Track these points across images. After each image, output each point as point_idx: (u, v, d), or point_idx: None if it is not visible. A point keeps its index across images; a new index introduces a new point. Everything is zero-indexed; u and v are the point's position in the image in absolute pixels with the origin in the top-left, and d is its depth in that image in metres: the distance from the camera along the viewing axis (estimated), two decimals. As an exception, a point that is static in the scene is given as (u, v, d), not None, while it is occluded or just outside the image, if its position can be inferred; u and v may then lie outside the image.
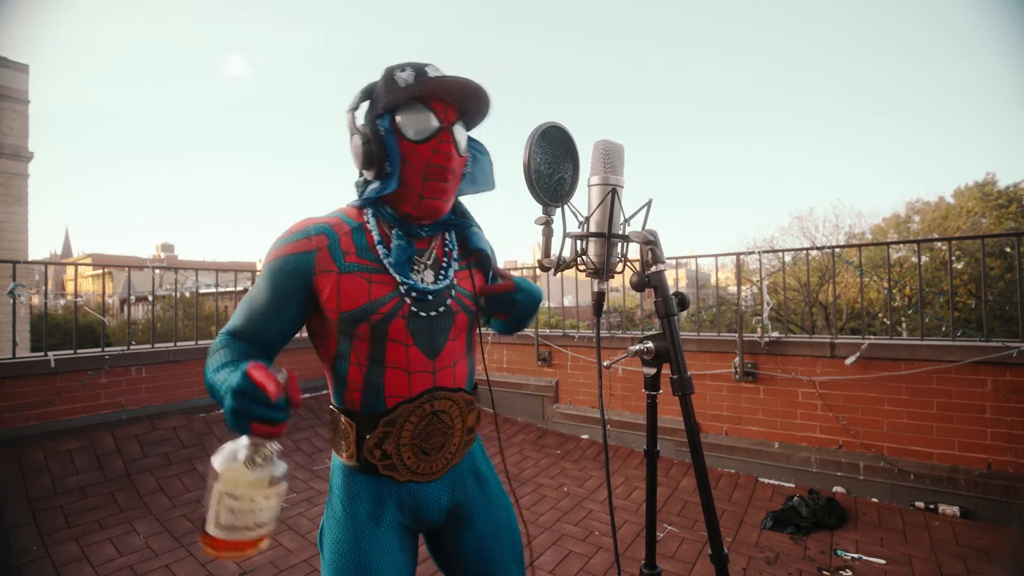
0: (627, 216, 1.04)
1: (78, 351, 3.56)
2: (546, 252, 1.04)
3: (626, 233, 1.03)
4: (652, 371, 1.03)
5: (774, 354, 3.46)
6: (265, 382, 0.63)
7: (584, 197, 1.05)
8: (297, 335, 0.91)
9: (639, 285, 0.97)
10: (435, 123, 0.86)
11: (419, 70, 0.87)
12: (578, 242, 1.05)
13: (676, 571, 2.30)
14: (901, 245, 15.25)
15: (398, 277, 0.87)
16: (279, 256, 0.86)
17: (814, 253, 9.94)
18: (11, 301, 3.24)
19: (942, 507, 2.81)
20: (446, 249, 0.97)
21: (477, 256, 1.01)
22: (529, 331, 4.81)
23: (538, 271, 5.40)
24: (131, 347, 3.80)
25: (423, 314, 0.88)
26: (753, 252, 4.18)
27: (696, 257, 4.33)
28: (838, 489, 3.12)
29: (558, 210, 1.03)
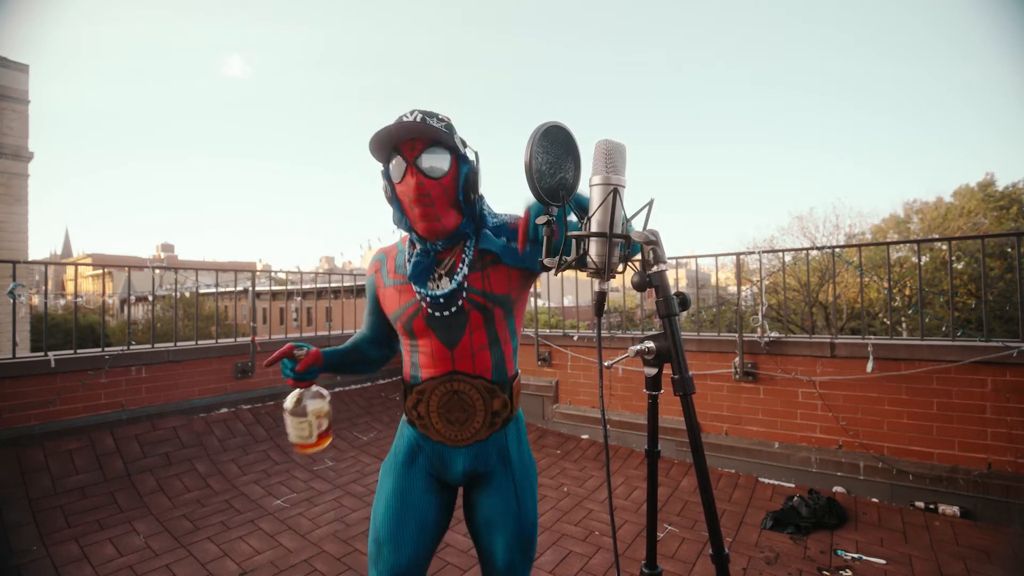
0: (628, 216, 1.04)
1: (78, 351, 3.55)
2: (547, 252, 1.04)
3: (627, 233, 1.03)
4: (653, 371, 1.03)
5: (774, 354, 3.46)
6: (278, 355, 1.10)
7: (585, 197, 1.05)
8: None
9: (640, 285, 0.97)
10: (403, 163, 1.05)
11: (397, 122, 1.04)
12: (579, 242, 1.05)
13: (676, 571, 2.30)
14: (901, 245, 15.26)
15: (414, 286, 1.12)
16: (366, 279, 1.26)
17: (814, 253, 9.95)
18: (11, 301, 3.24)
19: (942, 507, 2.81)
20: (463, 257, 1.12)
21: (490, 257, 1.13)
22: (529, 331, 4.81)
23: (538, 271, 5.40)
24: (131, 347, 3.79)
25: (437, 314, 1.10)
26: (753, 252, 4.18)
27: (696, 257, 4.34)
28: (838, 489, 3.13)
29: (559, 210, 1.03)
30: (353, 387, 5.07)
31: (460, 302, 1.09)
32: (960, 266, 13.95)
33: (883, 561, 2.35)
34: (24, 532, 2.49)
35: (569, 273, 1.11)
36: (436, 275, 1.12)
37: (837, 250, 4.20)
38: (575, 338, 4.46)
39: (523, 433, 1.21)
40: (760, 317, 3.54)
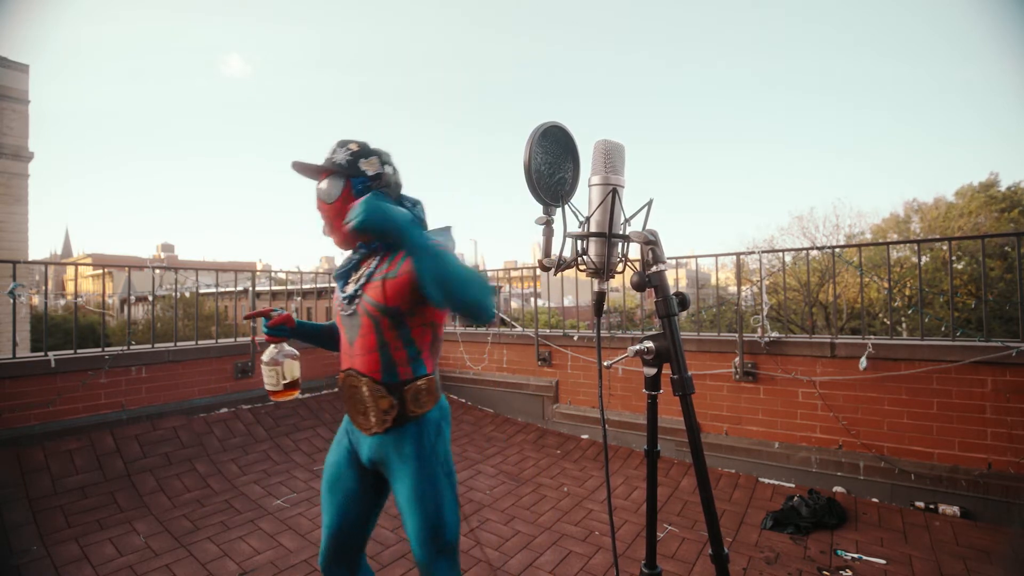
0: (627, 216, 1.04)
1: (78, 351, 3.55)
2: (547, 252, 1.04)
3: (626, 233, 1.03)
4: (653, 371, 1.03)
5: (774, 354, 3.46)
6: (257, 312, 1.39)
7: (585, 197, 1.05)
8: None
9: (640, 285, 0.97)
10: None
11: None
12: (578, 242, 1.05)
13: (676, 571, 2.30)
14: (901, 245, 15.25)
15: (336, 284, 1.33)
16: None
17: (814, 253, 9.94)
18: (11, 301, 3.24)
19: (942, 507, 2.81)
20: (370, 265, 1.26)
21: (401, 268, 1.21)
22: (529, 331, 4.81)
23: (538, 271, 5.40)
24: (131, 347, 3.79)
25: (344, 313, 1.27)
26: (753, 252, 4.18)
27: (696, 257, 4.33)
28: (838, 489, 3.12)
29: (558, 210, 1.03)
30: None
31: (355, 306, 1.24)
32: (960, 266, 13.95)
33: (883, 561, 2.34)
34: (24, 532, 2.49)
35: (569, 273, 1.10)
36: (354, 277, 1.27)
37: (837, 250, 4.20)
38: (575, 338, 4.46)
39: (427, 434, 1.24)
40: (762, 317, 3.54)
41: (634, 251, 1.07)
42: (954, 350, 2.92)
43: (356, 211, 1.03)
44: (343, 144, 1.27)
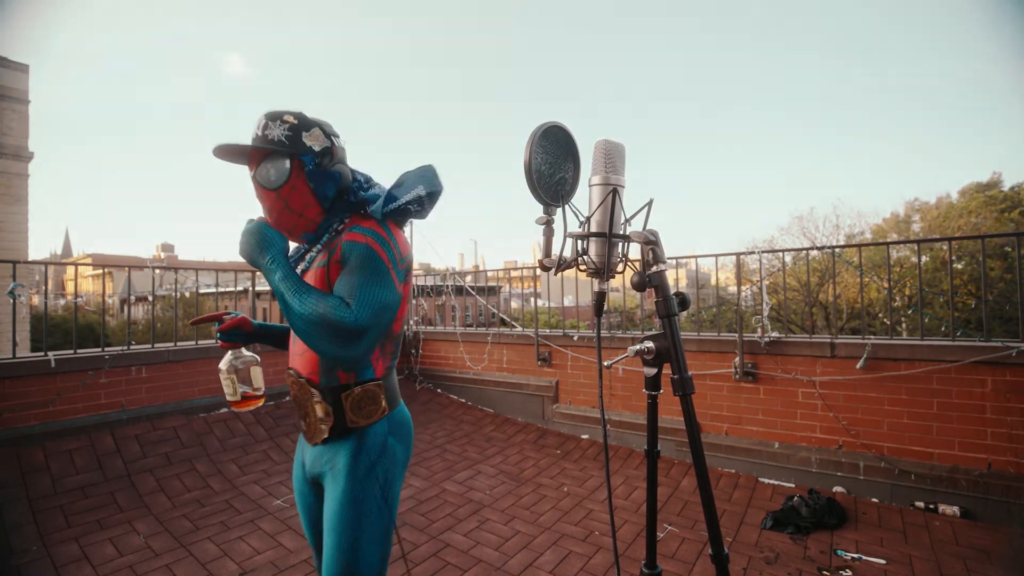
0: (628, 216, 1.04)
1: (78, 351, 3.55)
2: (547, 252, 1.04)
3: (627, 233, 1.03)
4: (653, 371, 1.03)
5: (774, 354, 3.46)
6: (206, 317, 1.27)
7: (585, 197, 1.05)
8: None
9: (640, 285, 0.97)
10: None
11: None
12: (579, 242, 1.05)
13: (676, 571, 2.30)
14: (901, 245, 15.25)
15: None
16: None
17: (814, 253, 9.94)
18: (11, 301, 3.24)
19: (942, 507, 2.81)
20: (312, 254, 1.13)
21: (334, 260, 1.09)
22: (529, 331, 4.81)
23: (539, 271, 5.40)
24: (131, 347, 3.79)
25: None
26: (753, 252, 4.18)
27: (696, 257, 4.33)
28: (838, 489, 3.12)
29: (559, 210, 1.03)
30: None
31: None
32: (960, 266, 13.95)
33: (883, 561, 2.34)
34: (24, 532, 2.49)
35: (569, 273, 1.10)
36: (300, 268, 1.14)
37: (837, 250, 4.20)
38: (575, 338, 4.46)
39: (367, 451, 1.07)
40: (762, 317, 3.54)
41: (634, 251, 1.07)
42: (954, 350, 2.92)
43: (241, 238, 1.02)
44: (274, 117, 1.06)
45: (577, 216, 1.05)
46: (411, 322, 5.91)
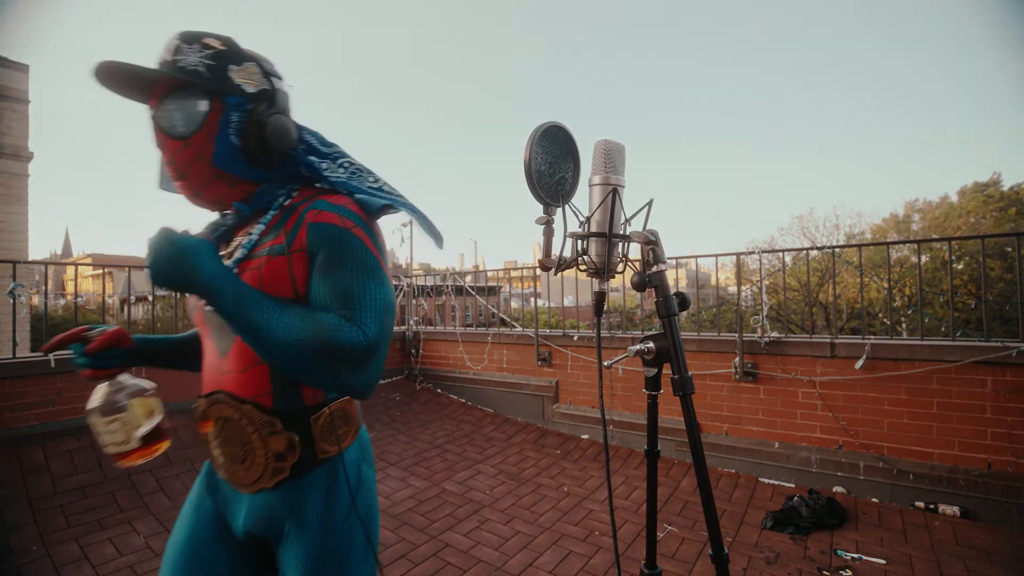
0: (628, 216, 1.04)
1: (78, 351, 3.55)
2: (547, 252, 1.04)
3: (627, 233, 1.03)
4: (653, 371, 1.03)
5: (774, 354, 3.46)
6: (58, 339, 0.86)
7: (585, 197, 1.05)
8: None
9: (640, 285, 0.97)
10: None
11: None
12: (579, 242, 1.05)
13: (676, 571, 2.30)
14: (901, 245, 15.26)
15: None
16: None
17: (814, 253, 9.94)
18: (11, 301, 3.24)
19: (942, 507, 2.81)
20: (250, 235, 0.83)
21: (296, 241, 0.79)
22: (529, 331, 4.81)
23: (539, 271, 5.40)
24: (131, 347, 3.79)
25: (208, 307, 0.76)
26: (753, 252, 4.18)
27: (696, 257, 4.33)
28: (838, 489, 3.12)
29: (559, 210, 1.03)
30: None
31: None
32: (960, 266, 13.96)
33: (883, 561, 2.34)
34: (24, 532, 2.48)
35: (569, 273, 1.10)
36: (224, 252, 0.86)
37: (837, 250, 4.20)
38: (575, 338, 4.46)
39: (343, 485, 0.85)
40: (762, 317, 3.54)
41: (634, 251, 1.07)
42: (954, 350, 2.92)
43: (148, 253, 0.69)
44: (192, 39, 0.76)
45: (577, 216, 1.05)
46: (411, 322, 5.92)
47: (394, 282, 6.33)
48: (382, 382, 5.38)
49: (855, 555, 2.40)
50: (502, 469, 3.58)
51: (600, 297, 1.08)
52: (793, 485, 3.25)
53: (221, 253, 0.83)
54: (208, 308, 0.78)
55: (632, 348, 1.01)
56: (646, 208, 1.03)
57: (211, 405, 0.83)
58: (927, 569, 2.28)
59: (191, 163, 0.78)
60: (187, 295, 0.79)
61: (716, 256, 4.24)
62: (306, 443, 0.81)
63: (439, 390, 5.39)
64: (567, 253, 1.05)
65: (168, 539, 0.89)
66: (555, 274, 1.08)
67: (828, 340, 3.32)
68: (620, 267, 1.06)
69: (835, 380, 3.25)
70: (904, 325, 12.78)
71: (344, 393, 0.75)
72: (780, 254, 6.76)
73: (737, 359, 3.56)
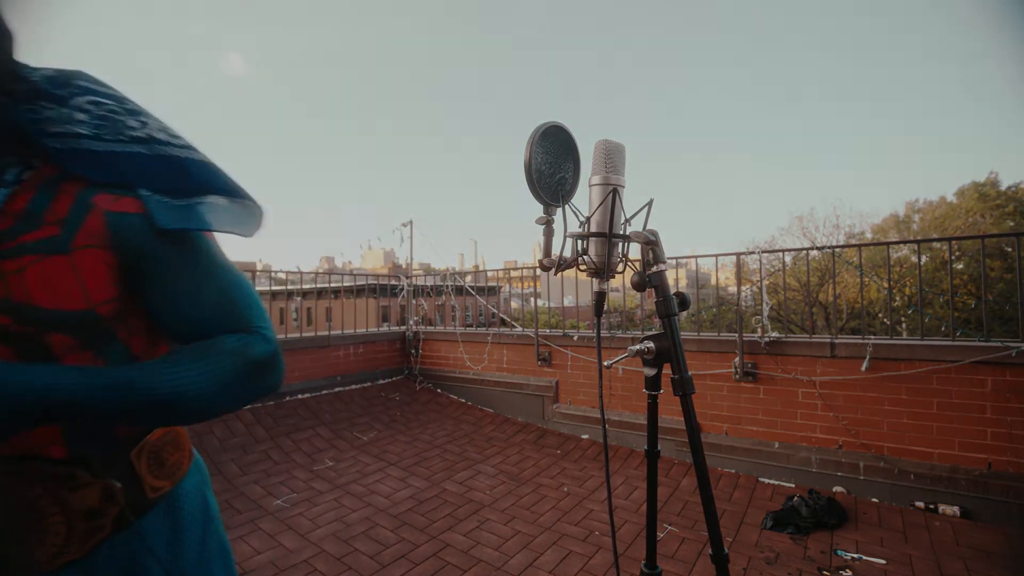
0: (628, 216, 1.04)
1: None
2: (547, 252, 1.04)
3: (627, 233, 1.03)
4: (653, 371, 1.03)
5: (774, 354, 3.46)
6: None
7: (585, 197, 1.05)
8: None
9: (640, 285, 0.97)
10: None
11: None
12: (579, 242, 1.05)
13: (676, 571, 2.30)
14: (901, 245, 15.26)
15: None
16: None
17: (814, 253, 9.94)
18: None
19: (942, 507, 2.81)
20: None
21: (50, 224, 0.55)
22: (529, 331, 4.81)
23: (538, 271, 5.40)
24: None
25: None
26: (753, 252, 4.18)
27: (696, 257, 4.33)
28: (838, 489, 3.12)
29: (559, 210, 1.03)
30: (353, 387, 5.07)
31: None
32: (960, 266, 13.96)
33: (883, 561, 2.34)
34: (24, 532, 2.48)
35: (569, 273, 1.11)
36: None
37: (837, 250, 4.20)
38: (575, 338, 4.46)
39: (191, 524, 0.71)
40: (763, 317, 3.54)
41: (634, 251, 1.07)
42: (954, 350, 2.92)
43: None
44: None
45: (577, 216, 1.05)
46: (411, 322, 5.92)
47: (394, 282, 6.37)
48: (382, 382, 5.39)
49: (855, 555, 2.40)
50: (502, 469, 3.58)
51: (600, 297, 1.08)
52: (793, 485, 3.25)
53: None
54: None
55: (632, 348, 1.01)
56: (646, 208, 1.03)
57: None
58: (927, 569, 2.28)
59: None
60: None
61: (716, 256, 4.25)
62: (131, 485, 0.63)
63: (439, 390, 5.39)
64: (567, 253, 1.05)
65: None
66: (555, 274, 1.08)
67: (828, 340, 3.32)
68: (620, 267, 1.06)
69: (835, 380, 3.25)
70: (904, 325, 12.79)
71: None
72: (780, 254, 6.76)
73: (737, 359, 3.56)
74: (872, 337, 3.32)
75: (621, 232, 1.03)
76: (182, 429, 0.73)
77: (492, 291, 14.99)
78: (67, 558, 0.59)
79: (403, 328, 5.91)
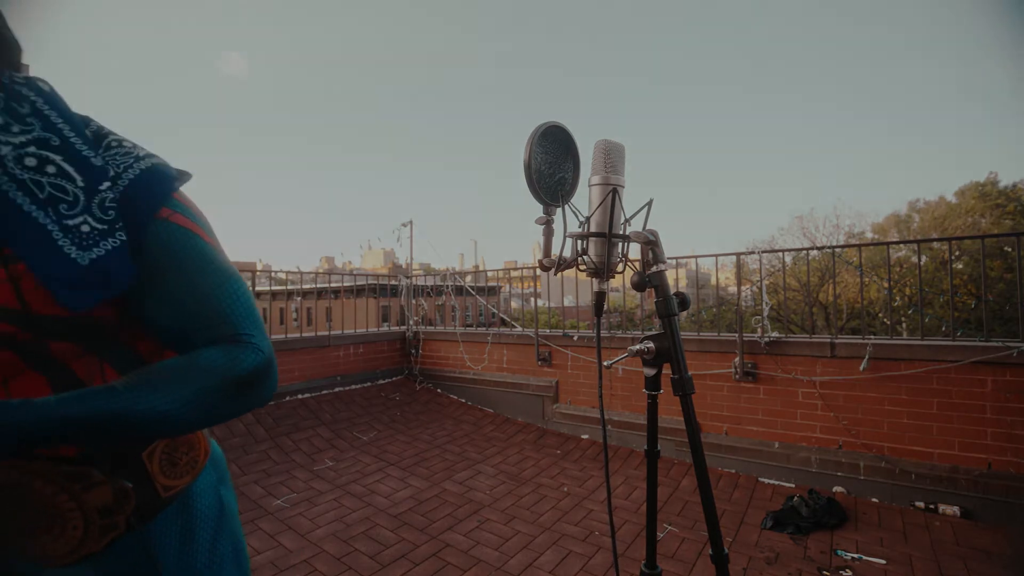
0: (628, 216, 1.04)
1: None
2: (547, 252, 1.04)
3: (626, 233, 1.03)
4: (653, 371, 1.03)
5: (774, 354, 3.46)
6: None
7: (585, 197, 1.05)
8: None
9: (640, 285, 0.97)
10: None
11: None
12: (578, 242, 1.05)
13: (676, 571, 2.30)
14: (901, 245, 15.27)
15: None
16: None
17: (814, 253, 9.94)
18: None
19: (942, 507, 2.81)
20: None
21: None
22: (529, 331, 4.81)
23: (538, 271, 5.40)
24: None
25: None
26: (753, 252, 4.17)
27: (696, 257, 4.33)
28: (838, 489, 3.12)
29: (559, 210, 1.03)
30: (353, 387, 5.07)
31: None
32: (960, 266, 13.96)
33: (883, 561, 2.34)
34: (24, 532, 2.48)
35: (569, 273, 1.10)
36: None
37: (837, 250, 4.20)
38: (575, 338, 4.46)
39: (204, 523, 0.71)
40: (763, 317, 3.54)
41: (634, 251, 1.07)
42: (954, 350, 2.92)
43: None
44: None
45: (577, 216, 1.05)
46: (411, 322, 5.92)
47: (394, 282, 6.37)
48: (382, 382, 5.38)
49: (855, 555, 2.40)
50: (502, 469, 3.58)
51: (600, 297, 1.08)
52: (793, 485, 3.25)
53: None
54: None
55: (632, 348, 1.01)
56: (646, 208, 1.03)
57: None
58: (927, 569, 2.28)
59: None
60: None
61: (716, 256, 4.25)
62: (143, 485, 0.64)
63: (439, 390, 5.39)
64: (567, 253, 1.05)
65: None
66: (555, 274, 1.08)
67: (828, 340, 3.32)
68: (620, 267, 1.06)
69: (835, 380, 3.25)
70: (904, 325, 12.79)
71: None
72: (780, 254, 6.76)
73: (737, 359, 3.56)
74: (872, 337, 3.32)
75: (621, 232, 1.03)
76: None
77: (492, 291, 14.99)
78: (85, 551, 0.59)
79: (403, 328, 5.91)
